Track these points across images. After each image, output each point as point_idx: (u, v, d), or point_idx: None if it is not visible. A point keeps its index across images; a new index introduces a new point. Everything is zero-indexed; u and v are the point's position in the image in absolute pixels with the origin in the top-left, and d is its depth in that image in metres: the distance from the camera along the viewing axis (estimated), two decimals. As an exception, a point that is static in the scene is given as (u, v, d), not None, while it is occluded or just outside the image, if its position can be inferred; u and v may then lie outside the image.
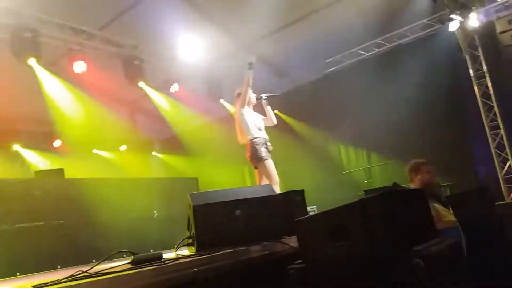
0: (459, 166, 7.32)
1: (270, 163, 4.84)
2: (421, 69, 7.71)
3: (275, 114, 9.86)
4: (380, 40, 8.61)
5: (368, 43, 8.76)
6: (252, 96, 5.12)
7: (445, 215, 3.51)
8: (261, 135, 4.98)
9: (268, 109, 5.26)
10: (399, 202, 2.17)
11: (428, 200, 2.78)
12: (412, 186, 3.94)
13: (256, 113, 5.19)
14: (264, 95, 5.24)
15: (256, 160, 4.87)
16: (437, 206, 3.55)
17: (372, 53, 8.84)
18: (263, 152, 4.83)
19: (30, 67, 6.49)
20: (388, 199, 2.05)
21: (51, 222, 5.35)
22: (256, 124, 5.02)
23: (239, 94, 5.09)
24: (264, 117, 5.24)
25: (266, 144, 4.94)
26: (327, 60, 9.34)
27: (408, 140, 7.69)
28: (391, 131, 7.93)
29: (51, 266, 5.04)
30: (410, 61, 7.97)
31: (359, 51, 8.97)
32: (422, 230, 2.26)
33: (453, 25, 7.19)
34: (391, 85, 8.06)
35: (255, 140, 4.90)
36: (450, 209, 3.66)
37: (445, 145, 7.39)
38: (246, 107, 5.00)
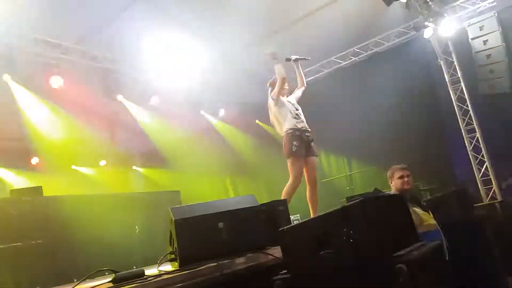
0: (438, 170, 7.46)
1: (295, 162, 4.57)
2: (397, 76, 7.87)
3: (257, 124, 9.88)
4: (356, 48, 8.76)
5: (345, 52, 8.89)
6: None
7: (426, 219, 3.56)
8: (296, 125, 4.68)
9: (300, 70, 5.15)
10: (380, 208, 2.19)
11: (408, 204, 2.81)
12: (392, 191, 4.00)
13: (291, 96, 5.02)
14: (293, 57, 5.09)
15: (286, 154, 4.65)
16: (417, 210, 3.60)
17: (349, 61, 8.97)
18: (294, 147, 4.54)
19: (5, 83, 6.35)
20: (369, 205, 2.07)
21: (29, 242, 5.19)
22: (292, 111, 4.76)
23: (271, 84, 4.94)
24: (297, 93, 5.11)
25: (301, 136, 4.64)
26: (305, 70, 9.42)
27: (387, 146, 7.80)
28: (370, 138, 8.04)
29: (30, 287, 4.88)
30: (386, 69, 8.12)
31: (336, 60, 9.10)
32: (403, 234, 2.28)
33: (428, 32, 7.37)
34: (369, 92, 8.20)
35: (289, 132, 4.64)
36: (430, 212, 3.71)
37: (423, 149, 7.53)
38: (280, 99, 4.80)
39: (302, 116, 4.85)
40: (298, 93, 5.13)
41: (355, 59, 8.88)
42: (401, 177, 3.91)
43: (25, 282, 4.94)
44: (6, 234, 5.03)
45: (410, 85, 7.81)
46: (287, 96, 4.98)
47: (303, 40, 7.93)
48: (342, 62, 9.06)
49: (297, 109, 4.86)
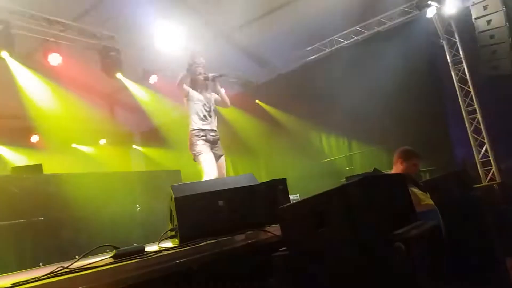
0: (438, 151, 7.46)
1: (204, 159, 4.44)
2: (399, 56, 7.79)
3: (257, 104, 9.77)
4: (359, 27, 8.65)
5: (347, 30, 8.78)
6: (198, 78, 4.65)
7: (423, 198, 3.59)
8: (202, 127, 4.55)
9: (219, 90, 4.78)
10: (379, 187, 2.20)
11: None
12: (394, 170, 4.01)
13: (206, 95, 4.70)
14: (211, 75, 4.69)
15: (192, 154, 4.56)
16: (415, 190, 3.61)
17: (351, 40, 8.88)
18: (199, 145, 4.46)
19: (3, 60, 6.30)
20: (368, 184, 2.08)
21: (31, 219, 5.24)
22: (200, 112, 4.57)
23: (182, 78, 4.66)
24: (217, 96, 4.81)
25: (206, 136, 4.53)
26: (306, 49, 9.35)
27: (387, 126, 7.80)
28: (370, 118, 8.03)
29: (33, 263, 4.94)
30: (388, 48, 8.03)
31: (338, 39, 9.00)
32: (402, 214, 2.30)
33: (430, 11, 7.28)
34: (370, 72, 8.13)
35: (193, 132, 4.52)
36: (428, 193, 3.73)
37: (423, 130, 7.52)
38: (189, 93, 4.58)
39: (212, 117, 4.68)
40: (220, 101, 4.86)
41: (357, 39, 8.78)
42: (416, 165, 3.94)
43: (28, 258, 5.01)
44: (8, 211, 5.08)
45: (412, 65, 7.75)
46: (207, 90, 4.74)
47: (303, 18, 7.84)
48: (343, 42, 8.96)
49: (208, 110, 4.65)
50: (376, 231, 1.93)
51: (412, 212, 2.43)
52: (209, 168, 4.40)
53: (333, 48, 9.15)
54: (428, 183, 4.10)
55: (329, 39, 9.08)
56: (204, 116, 4.59)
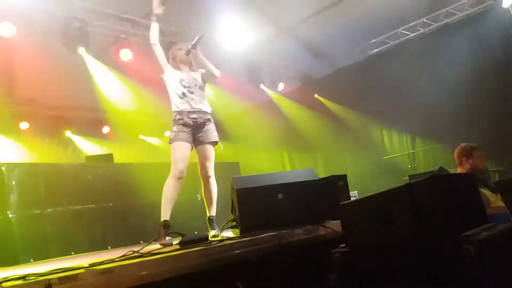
0: (508, 151, 6.99)
1: (174, 148, 3.78)
2: (470, 49, 7.38)
3: (316, 98, 9.59)
4: (426, 19, 8.27)
5: (413, 22, 8.43)
6: (178, 53, 4.05)
7: (494, 200, 3.40)
8: (179, 106, 3.84)
9: (202, 59, 4.03)
10: (447, 186, 2.12)
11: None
12: (460, 170, 3.83)
13: (189, 73, 4.01)
14: (190, 44, 4.00)
15: None
16: (485, 191, 3.43)
17: (417, 33, 8.52)
18: (173, 132, 3.80)
19: (80, 56, 6.75)
20: (436, 183, 2.01)
21: (102, 205, 5.62)
22: (177, 90, 3.86)
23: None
24: (204, 71, 4.08)
25: (183, 119, 3.80)
26: (370, 42, 9.10)
27: (454, 123, 7.42)
28: (436, 115, 7.69)
29: (102, 246, 5.31)
30: (458, 41, 7.64)
31: (404, 31, 8.66)
32: (472, 215, 2.20)
33: (507, 1, 6.80)
34: (438, 66, 7.78)
35: (173, 115, 3.88)
36: (499, 195, 3.52)
37: (494, 128, 7.07)
38: (166, 70, 3.96)
39: (195, 95, 3.90)
40: (207, 73, 4.09)
41: (424, 31, 8.41)
42: (481, 157, 3.77)
43: (98, 241, 5.38)
44: (82, 196, 5.47)
45: (484, 59, 7.29)
46: (190, 67, 4.06)
47: (366, 10, 7.62)
48: (410, 34, 8.62)
49: (188, 86, 3.90)
50: (443, 232, 1.87)
51: (482, 214, 2.31)
52: (175, 160, 3.78)
53: (397, 41, 8.84)
54: (500, 184, 3.86)
55: (394, 32, 8.77)
56: (183, 93, 3.86)
